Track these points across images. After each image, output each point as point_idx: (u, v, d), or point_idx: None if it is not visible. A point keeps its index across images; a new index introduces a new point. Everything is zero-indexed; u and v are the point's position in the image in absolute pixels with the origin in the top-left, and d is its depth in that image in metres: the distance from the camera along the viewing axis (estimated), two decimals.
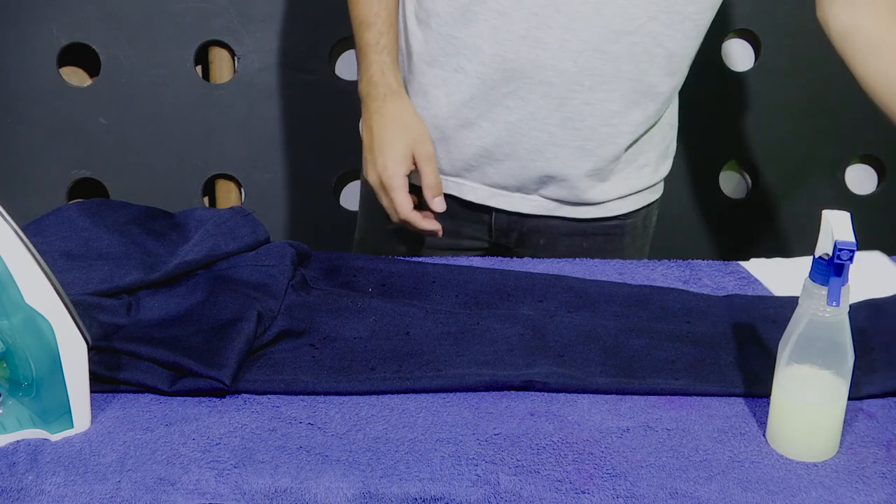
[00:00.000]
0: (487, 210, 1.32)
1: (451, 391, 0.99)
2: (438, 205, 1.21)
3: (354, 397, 0.98)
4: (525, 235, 1.34)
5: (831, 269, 0.84)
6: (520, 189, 1.29)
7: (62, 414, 0.91)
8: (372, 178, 1.21)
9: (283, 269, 1.14)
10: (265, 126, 1.91)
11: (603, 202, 1.31)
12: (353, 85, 1.83)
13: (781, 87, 1.91)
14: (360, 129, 1.28)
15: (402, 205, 1.19)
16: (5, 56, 1.80)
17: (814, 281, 0.86)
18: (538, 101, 1.22)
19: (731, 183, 2.01)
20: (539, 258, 1.26)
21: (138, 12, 1.80)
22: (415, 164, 1.22)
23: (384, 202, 1.22)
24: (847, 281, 0.86)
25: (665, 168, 1.37)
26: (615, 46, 1.19)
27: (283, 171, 1.95)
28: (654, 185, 1.36)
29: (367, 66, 1.23)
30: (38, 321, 0.86)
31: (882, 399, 0.99)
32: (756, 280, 1.22)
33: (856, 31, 1.21)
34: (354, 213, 1.97)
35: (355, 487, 0.86)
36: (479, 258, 1.26)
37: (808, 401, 0.89)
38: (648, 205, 1.37)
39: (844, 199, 1.98)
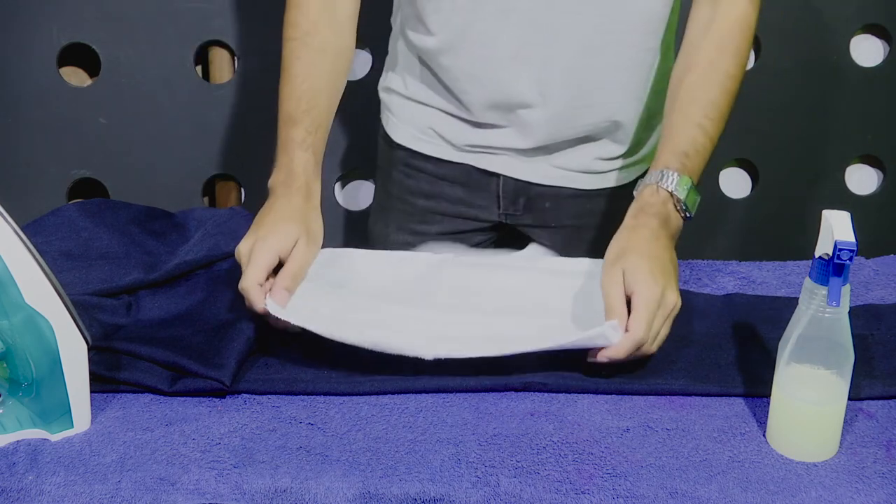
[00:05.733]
0: (496, 176, 1.34)
1: (451, 392, 0.99)
2: (276, 294, 1.05)
3: (354, 397, 0.98)
4: (532, 200, 1.36)
5: (831, 269, 0.84)
6: (532, 152, 1.31)
7: (62, 414, 0.90)
8: (243, 246, 1.08)
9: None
10: (265, 126, 1.90)
11: (606, 171, 1.34)
12: (354, 85, 1.84)
13: (781, 87, 1.91)
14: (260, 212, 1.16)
15: (249, 276, 1.04)
16: (5, 56, 1.80)
17: (814, 281, 0.86)
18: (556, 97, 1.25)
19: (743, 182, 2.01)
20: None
21: (138, 12, 1.80)
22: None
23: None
24: (847, 281, 0.86)
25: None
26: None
27: None
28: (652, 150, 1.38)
29: (289, 160, 1.16)
30: (38, 321, 0.86)
31: (883, 399, 0.99)
32: (756, 280, 1.23)
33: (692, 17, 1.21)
34: (355, 212, 1.97)
35: (355, 487, 0.86)
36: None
37: (808, 401, 0.89)
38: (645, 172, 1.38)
39: (844, 199, 1.98)
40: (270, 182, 1.17)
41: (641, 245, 1.06)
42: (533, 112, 1.25)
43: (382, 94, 1.40)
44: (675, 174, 1.11)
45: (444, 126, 1.32)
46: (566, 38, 1.20)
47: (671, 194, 1.10)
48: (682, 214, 1.11)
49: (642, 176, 1.37)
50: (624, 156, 1.33)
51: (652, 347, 1.00)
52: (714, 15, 1.17)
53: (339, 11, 1.23)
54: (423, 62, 1.29)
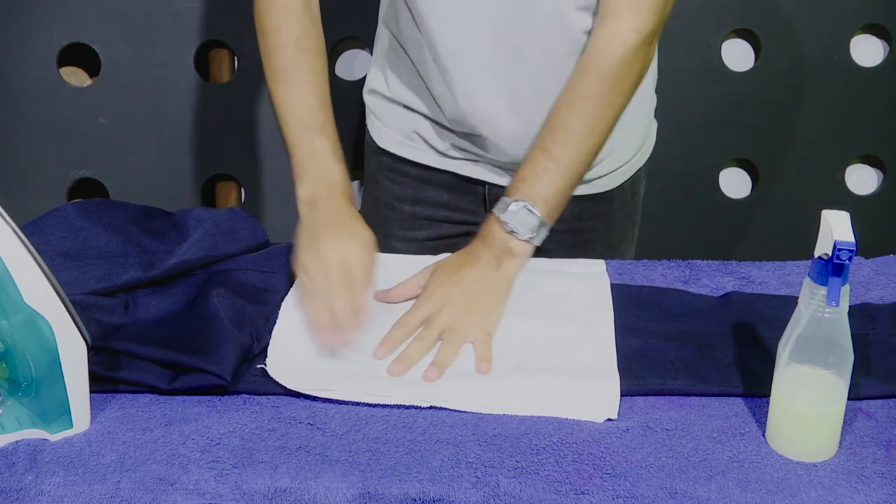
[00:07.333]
0: (482, 183, 1.34)
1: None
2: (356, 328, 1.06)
3: None
4: None
5: (831, 269, 0.84)
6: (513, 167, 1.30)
7: (62, 414, 0.90)
8: (332, 255, 1.08)
9: (284, 277, 1.15)
10: (265, 126, 1.90)
11: (591, 180, 1.33)
12: (354, 84, 1.84)
13: (781, 87, 1.91)
14: (298, 231, 1.15)
15: (361, 303, 1.06)
16: (5, 56, 1.80)
17: (814, 281, 0.86)
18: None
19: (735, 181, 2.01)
20: None
21: (138, 12, 1.80)
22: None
23: (320, 283, 1.07)
24: (847, 281, 0.86)
25: (651, 132, 1.40)
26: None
27: (283, 171, 1.94)
28: (637, 152, 1.38)
29: (327, 172, 1.15)
30: (38, 321, 0.86)
31: (882, 399, 0.99)
32: (756, 280, 1.22)
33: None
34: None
35: (355, 487, 0.86)
36: None
37: (808, 401, 0.89)
38: (635, 172, 1.39)
39: (844, 199, 1.98)
40: (306, 195, 1.14)
41: (455, 270, 1.10)
42: (504, 128, 1.24)
43: (367, 98, 1.39)
44: (513, 202, 1.13)
45: (429, 131, 1.31)
46: (531, 49, 1.19)
47: (505, 223, 1.12)
48: (521, 239, 1.12)
49: (629, 179, 1.37)
50: (603, 161, 1.32)
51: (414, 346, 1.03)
52: (594, 38, 1.15)
53: (313, 9, 1.21)
54: (412, 61, 1.27)
